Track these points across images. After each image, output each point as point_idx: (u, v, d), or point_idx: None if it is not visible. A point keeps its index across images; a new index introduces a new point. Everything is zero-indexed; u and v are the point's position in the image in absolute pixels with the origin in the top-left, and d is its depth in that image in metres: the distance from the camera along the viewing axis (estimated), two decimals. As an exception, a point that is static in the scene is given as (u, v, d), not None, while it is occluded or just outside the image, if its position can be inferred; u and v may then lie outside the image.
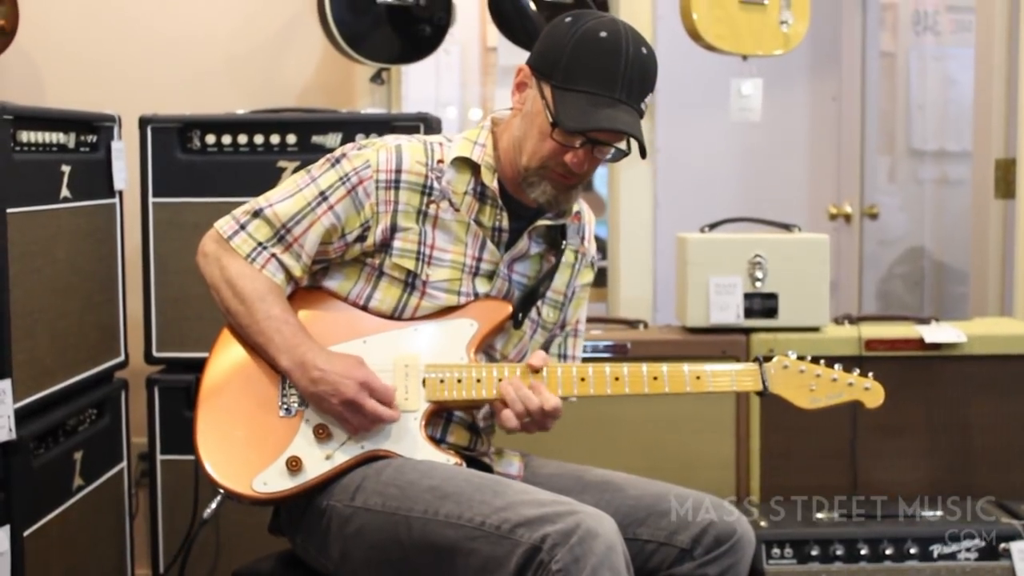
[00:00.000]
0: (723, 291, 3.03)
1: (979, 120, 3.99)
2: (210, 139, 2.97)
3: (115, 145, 2.90)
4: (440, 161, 2.16)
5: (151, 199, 2.97)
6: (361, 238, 2.14)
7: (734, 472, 3.06)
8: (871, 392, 2.20)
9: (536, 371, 2.12)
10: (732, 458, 3.06)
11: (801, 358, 2.18)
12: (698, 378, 2.15)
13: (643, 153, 2.05)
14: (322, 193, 2.12)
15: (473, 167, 2.16)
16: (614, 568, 1.86)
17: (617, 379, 2.14)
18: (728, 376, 2.16)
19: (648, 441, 3.03)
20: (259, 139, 2.97)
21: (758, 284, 3.05)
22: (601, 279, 3.73)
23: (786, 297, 3.06)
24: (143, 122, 2.97)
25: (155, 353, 3.00)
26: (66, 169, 2.67)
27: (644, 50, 2.04)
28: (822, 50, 4.96)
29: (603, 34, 2.02)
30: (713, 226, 3.20)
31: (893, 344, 3.02)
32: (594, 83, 2.01)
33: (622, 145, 2.09)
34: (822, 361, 2.18)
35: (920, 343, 3.02)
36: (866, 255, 4.82)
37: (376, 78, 3.37)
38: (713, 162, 4.98)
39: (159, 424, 2.99)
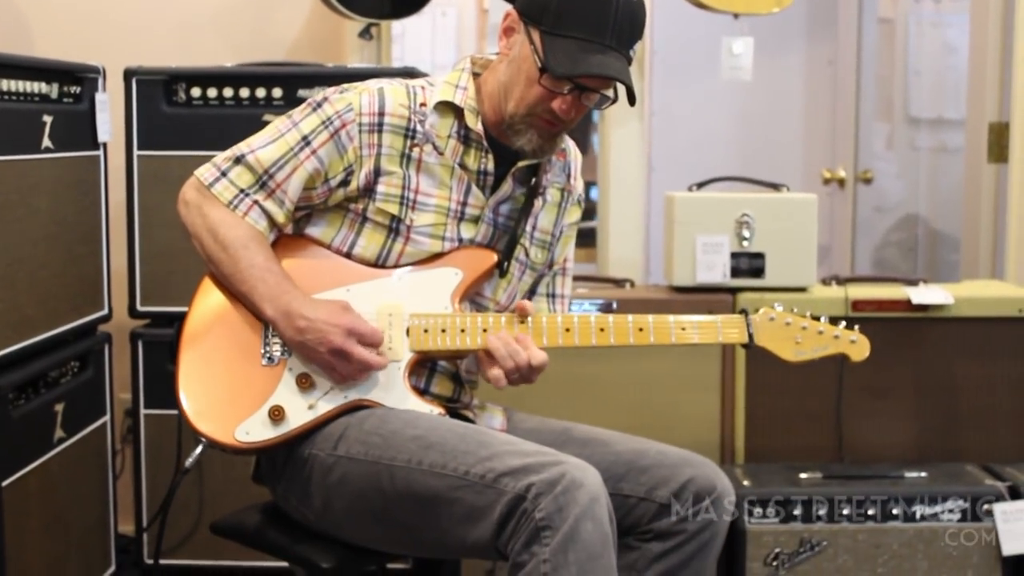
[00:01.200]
0: (710, 250, 3.01)
1: (973, 84, 3.96)
2: (195, 92, 2.95)
3: (99, 97, 2.88)
4: (423, 104, 2.13)
5: (136, 152, 2.96)
6: (344, 183, 2.12)
7: (719, 433, 3.06)
8: (857, 345, 2.17)
9: (523, 320, 2.10)
10: (717, 419, 3.06)
11: (787, 310, 2.17)
12: (683, 329, 2.13)
13: (631, 100, 2.03)
14: (304, 138, 2.10)
15: (456, 110, 2.14)
16: (597, 519, 1.85)
17: (602, 330, 2.12)
18: (714, 328, 2.14)
19: (633, 401, 3.02)
20: (245, 92, 2.94)
21: (745, 243, 3.03)
22: (591, 239, 3.72)
23: (773, 257, 3.04)
24: (128, 74, 2.95)
25: (139, 307, 2.99)
26: (48, 119, 2.64)
27: None
28: (819, 13, 4.94)
29: None
30: (701, 185, 3.18)
31: (880, 305, 3.01)
32: (584, 29, 1.99)
33: (609, 92, 2.07)
34: (808, 313, 2.16)
35: (907, 304, 3.01)
36: (860, 220, 4.80)
37: (365, 33, 3.33)
38: (709, 125, 4.96)
39: (143, 378, 2.98)
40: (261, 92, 2.94)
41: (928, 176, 4.96)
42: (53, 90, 2.69)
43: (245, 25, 3.60)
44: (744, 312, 2.16)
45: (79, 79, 2.82)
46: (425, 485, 1.95)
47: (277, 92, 2.93)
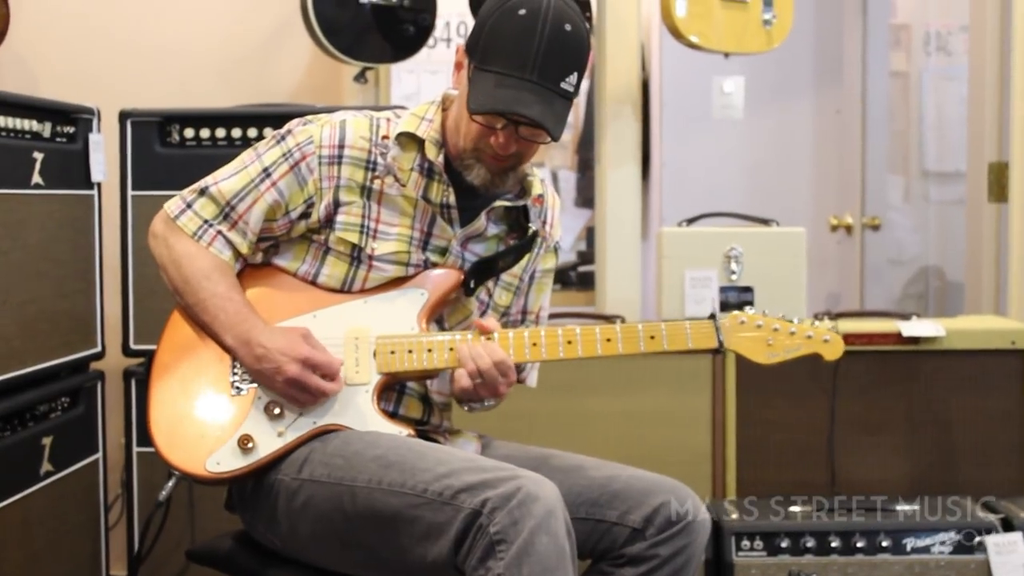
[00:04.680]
0: (698, 284, 3.02)
1: (972, 124, 3.96)
2: (189, 133, 3.00)
3: (93, 137, 2.93)
4: (385, 137, 2.15)
5: (130, 192, 3.00)
6: (305, 215, 2.14)
7: (710, 467, 3.04)
8: (830, 344, 2.14)
9: (486, 332, 2.10)
10: (708, 453, 3.04)
11: (758, 313, 2.14)
12: (652, 338, 2.11)
13: (553, 136, 2.01)
14: (266, 170, 2.13)
15: (419, 142, 2.14)
16: (552, 532, 1.84)
17: (570, 343, 2.11)
18: (683, 334, 2.12)
19: (623, 436, 3.01)
20: (237, 133, 2.99)
21: (733, 277, 3.03)
22: (588, 280, 3.73)
23: (762, 290, 3.04)
24: (123, 116, 3.00)
25: (132, 345, 3.01)
26: (39, 156, 2.69)
27: (567, 27, 1.98)
28: (827, 63, 4.96)
29: (522, 12, 1.97)
30: (691, 221, 3.19)
31: (871, 338, 2.99)
32: (504, 63, 1.97)
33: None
34: (781, 315, 2.14)
35: (898, 337, 2.99)
36: (869, 267, 4.78)
37: (359, 77, 3.38)
38: (719, 174, 4.97)
39: (136, 416, 3.00)
40: (253, 132, 2.99)
41: (944, 229, 4.94)
42: (45, 129, 2.74)
43: (248, 75, 3.67)
44: (713, 316, 2.14)
45: (73, 119, 2.87)
46: (385, 504, 1.94)
47: (268, 132, 2.96)
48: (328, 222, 2.13)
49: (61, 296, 2.80)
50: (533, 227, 2.23)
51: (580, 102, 5.08)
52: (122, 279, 3.01)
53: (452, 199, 2.14)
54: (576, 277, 4.66)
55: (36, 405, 2.69)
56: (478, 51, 2.01)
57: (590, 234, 4.23)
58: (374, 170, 2.13)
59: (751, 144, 4.89)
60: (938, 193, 5.00)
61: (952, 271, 4.85)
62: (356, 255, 2.13)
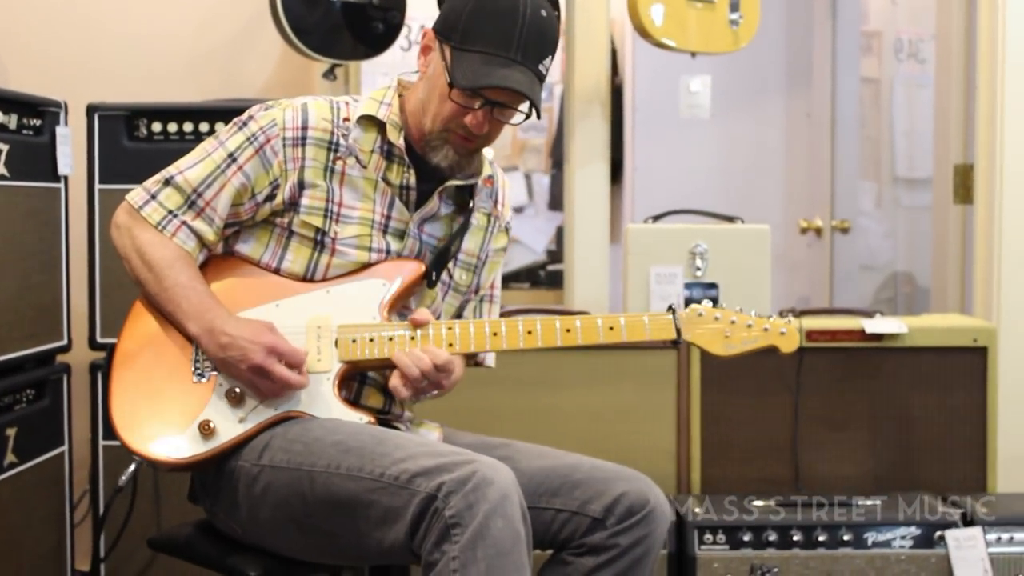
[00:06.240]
0: (664, 280, 3.03)
1: (938, 127, 4.00)
2: (156, 127, 3.00)
3: (60, 131, 2.93)
4: (346, 119, 2.18)
5: (97, 185, 3.00)
6: (271, 197, 2.15)
7: (675, 464, 3.05)
8: (786, 337, 2.16)
9: (450, 327, 2.12)
10: (673, 450, 3.05)
11: (716, 306, 2.16)
12: (611, 328, 2.14)
13: (537, 114, 2.07)
14: (231, 155, 2.15)
15: (379, 125, 2.17)
16: (507, 516, 1.85)
17: (530, 333, 2.14)
18: (641, 326, 2.14)
19: (588, 431, 3.02)
20: (205, 127, 3.00)
21: (699, 274, 3.05)
22: (557, 280, 3.74)
23: (727, 287, 3.06)
24: (90, 109, 3.00)
25: (99, 339, 3.01)
26: (4, 148, 2.69)
27: (543, 12, 2.06)
28: (797, 66, 5.00)
29: None
30: (657, 218, 3.21)
31: (834, 335, 3.01)
32: (490, 43, 2.03)
33: (523, 107, 2.10)
34: (738, 308, 2.16)
35: (861, 334, 3.02)
36: (837, 270, 4.81)
37: (328, 74, 3.39)
38: (690, 176, 4.99)
39: (102, 409, 3.00)
40: (221, 127, 2.97)
41: (915, 234, 4.97)
42: (11, 121, 2.74)
43: (218, 71, 3.68)
44: (671, 309, 2.16)
45: (40, 112, 2.87)
46: (343, 489, 1.96)
47: (234, 126, 2.98)
48: (293, 204, 2.15)
49: (26, 288, 2.79)
50: (482, 208, 2.27)
51: (554, 106, 5.10)
52: (89, 272, 3.00)
53: (412, 181, 2.18)
54: (545, 276, 4.69)
55: (0, 396, 2.69)
56: (458, 32, 2.05)
57: (560, 234, 4.24)
58: (336, 151, 2.16)
59: (723, 146, 4.92)
60: (909, 199, 5.03)
61: (922, 276, 4.88)
62: (320, 239, 2.15)
